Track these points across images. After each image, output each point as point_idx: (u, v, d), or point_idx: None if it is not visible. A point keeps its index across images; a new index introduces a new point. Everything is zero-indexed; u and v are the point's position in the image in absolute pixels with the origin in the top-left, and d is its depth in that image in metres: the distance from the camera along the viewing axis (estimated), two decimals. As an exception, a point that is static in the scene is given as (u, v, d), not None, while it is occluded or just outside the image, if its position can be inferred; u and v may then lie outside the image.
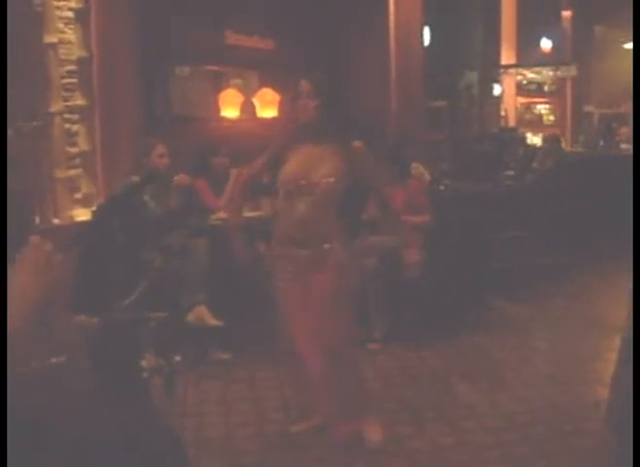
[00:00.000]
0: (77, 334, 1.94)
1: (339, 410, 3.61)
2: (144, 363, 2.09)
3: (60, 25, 5.28)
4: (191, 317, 4.66)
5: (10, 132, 4.57)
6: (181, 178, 5.02)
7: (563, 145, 11.41)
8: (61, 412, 1.77)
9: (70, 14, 5.33)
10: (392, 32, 7.90)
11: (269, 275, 3.55)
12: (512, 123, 12.19)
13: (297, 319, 3.49)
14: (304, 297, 3.46)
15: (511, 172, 8.15)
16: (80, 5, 5.36)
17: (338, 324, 3.44)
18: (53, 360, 1.76)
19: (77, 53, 5.39)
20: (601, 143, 11.16)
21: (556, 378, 4.53)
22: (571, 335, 5.37)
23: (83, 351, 1.94)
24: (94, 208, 5.13)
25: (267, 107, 7.09)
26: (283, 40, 7.50)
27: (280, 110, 3.56)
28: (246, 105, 7.04)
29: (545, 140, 9.41)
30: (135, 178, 4.88)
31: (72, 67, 5.37)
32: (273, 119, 7.09)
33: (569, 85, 13.02)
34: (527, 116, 13.21)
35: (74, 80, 5.39)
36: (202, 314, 4.68)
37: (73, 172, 5.41)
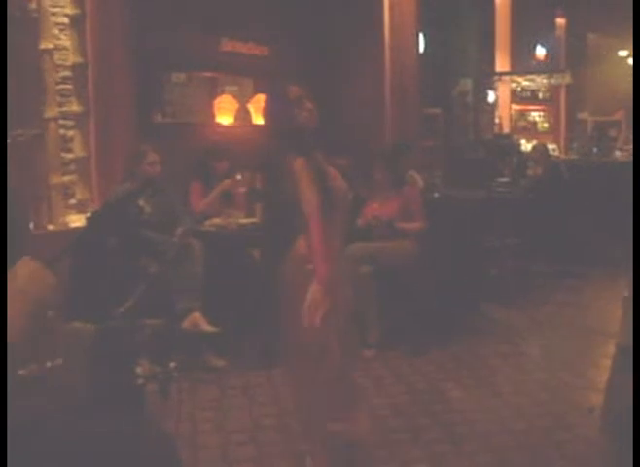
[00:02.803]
0: (72, 339, 1.94)
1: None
2: (139, 370, 2.08)
3: (56, 31, 5.28)
4: (186, 324, 4.65)
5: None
6: None
7: (557, 153, 11.45)
8: (57, 414, 1.77)
9: (65, 19, 5.33)
10: (387, 39, 7.92)
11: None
12: (506, 130, 12.22)
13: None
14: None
15: (505, 179, 8.18)
16: (75, 11, 5.36)
17: None
18: (49, 364, 1.76)
19: (72, 58, 5.38)
20: (595, 150, 11.19)
21: (550, 385, 4.54)
22: (565, 341, 5.39)
23: (78, 357, 1.94)
24: (89, 214, 5.12)
25: (262, 114, 7.10)
26: (278, 47, 7.52)
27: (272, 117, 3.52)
28: (241, 112, 7.04)
29: (533, 149, 9.43)
30: (129, 185, 4.88)
31: (67, 73, 5.37)
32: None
33: (563, 92, 13.07)
34: (521, 123, 13.24)
35: (69, 86, 5.39)
36: (197, 321, 4.67)
37: (68, 178, 5.40)
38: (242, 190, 5.75)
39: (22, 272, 1.65)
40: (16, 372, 1.52)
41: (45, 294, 1.60)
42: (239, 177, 5.61)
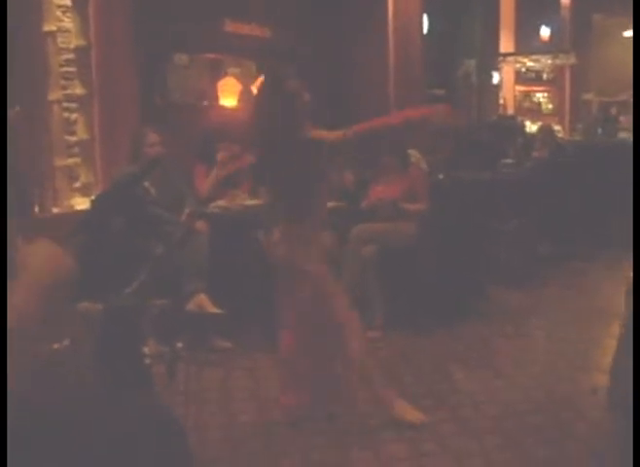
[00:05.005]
0: (80, 320, 1.94)
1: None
2: (146, 350, 2.09)
3: (58, 14, 5.26)
4: (191, 305, 4.66)
5: (9, 121, 4.56)
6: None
7: (561, 135, 11.39)
8: (65, 396, 1.78)
9: (68, 2, 5.30)
10: (391, 20, 7.88)
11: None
12: (510, 111, 12.17)
13: None
14: None
15: (509, 161, 8.14)
16: (77, -7, 5.34)
17: None
18: (56, 345, 1.77)
19: (75, 41, 5.37)
20: (600, 131, 11.13)
21: (555, 366, 4.55)
22: (570, 323, 5.39)
23: (86, 337, 1.95)
24: (93, 197, 5.12)
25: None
26: (281, 28, 7.47)
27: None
28: (244, 94, 7.02)
29: (539, 130, 9.38)
30: (133, 167, 4.87)
31: (70, 56, 5.35)
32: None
33: (568, 73, 12.99)
34: (526, 104, 13.18)
35: (72, 68, 5.37)
36: (202, 302, 4.67)
37: (72, 161, 5.40)
38: (244, 165, 5.64)
39: (39, 253, 1.64)
40: (28, 354, 1.53)
41: (62, 275, 1.60)
42: (230, 147, 5.47)
